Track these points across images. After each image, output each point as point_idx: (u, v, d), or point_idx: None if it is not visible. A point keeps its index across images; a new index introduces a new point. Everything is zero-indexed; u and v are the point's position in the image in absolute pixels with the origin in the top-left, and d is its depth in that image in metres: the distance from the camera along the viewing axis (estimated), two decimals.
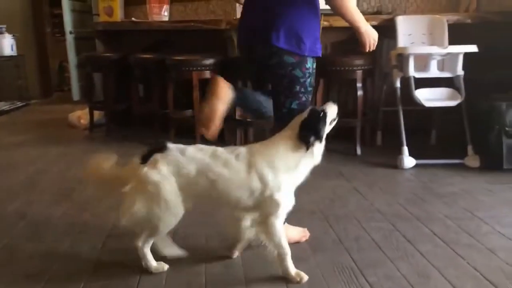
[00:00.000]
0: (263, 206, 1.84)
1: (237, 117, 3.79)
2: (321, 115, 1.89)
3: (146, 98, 4.63)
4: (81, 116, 4.96)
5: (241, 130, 3.95)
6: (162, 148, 1.87)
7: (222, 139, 4.02)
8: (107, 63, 4.48)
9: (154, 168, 1.83)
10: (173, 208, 1.84)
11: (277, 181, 1.82)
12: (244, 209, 1.87)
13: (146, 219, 1.85)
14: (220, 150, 1.87)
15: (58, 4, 6.52)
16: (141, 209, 1.83)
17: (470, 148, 3.36)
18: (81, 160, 3.77)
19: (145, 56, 4.20)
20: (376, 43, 2.12)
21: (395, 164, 3.37)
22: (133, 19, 4.81)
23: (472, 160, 3.33)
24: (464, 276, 1.91)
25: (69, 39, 6.39)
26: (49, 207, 2.75)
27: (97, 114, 4.86)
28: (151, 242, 1.95)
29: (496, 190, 2.90)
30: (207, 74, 3.80)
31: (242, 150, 1.87)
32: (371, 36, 2.09)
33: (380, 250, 2.15)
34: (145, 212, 1.83)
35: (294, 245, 2.19)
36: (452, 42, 3.50)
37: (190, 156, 1.84)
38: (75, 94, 6.61)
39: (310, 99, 2.11)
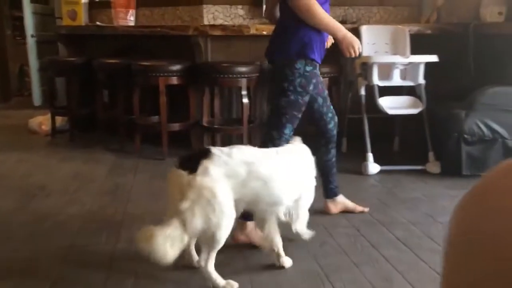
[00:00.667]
0: (302, 199, 2.07)
1: (204, 123, 3.78)
2: None
3: (111, 103, 4.55)
4: (42, 121, 4.82)
5: (208, 136, 3.94)
6: (207, 154, 1.81)
7: (189, 145, 4.00)
8: (71, 67, 4.38)
9: (206, 175, 1.76)
10: (229, 211, 1.80)
11: (312, 174, 2.14)
12: (286, 205, 2.03)
13: (206, 229, 1.78)
14: (264, 150, 2.03)
15: (19, 6, 6.33)
16: (201, 219, 1.75)
17: (431, 155, 3.46)
18: (43, 166, 3.69)
19: (110, 61, 4.13)
20: (358, 49, 2.23)
21: (360, 170, 3.44)
22: (97, 23, 4.73)
23: (433, 166, 3.44)
24: (426, 279, 1.97)
25: (31, 42, 6.22)
26: (9, 215, 2.65)
27: (59, 119, 4.74)
28: (213, 258, 1.86)
29: (456, 195, 2.99)
30: (174, 80, 3.77)
31: (281, 149, 2.09)
32: (349, 43, 2.19)
33: (346, 255, 2.19)
34: (204, 222, 1.75)
35: (260, 252, 2.20)
36: (414, 52, 3.61)
37: (238, 158, 1.83)
38: (36, 99, 6.42)
39: (300, 101, 2.28)
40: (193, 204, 1.73)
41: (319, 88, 2.41)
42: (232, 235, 2.15)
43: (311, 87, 2.30)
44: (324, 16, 2.14)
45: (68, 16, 4.84)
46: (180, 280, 1.95)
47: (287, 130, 2.32)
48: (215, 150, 1.84)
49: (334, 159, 2.62)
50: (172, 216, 1.75)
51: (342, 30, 2.18)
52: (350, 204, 2.67)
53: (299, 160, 2.07)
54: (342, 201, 2.67)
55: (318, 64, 2.34)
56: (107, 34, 4.43)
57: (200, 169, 1.76)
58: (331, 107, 2.54)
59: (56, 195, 3.00)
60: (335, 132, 2.56)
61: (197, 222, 1.74)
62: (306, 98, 2.31)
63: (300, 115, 2.35)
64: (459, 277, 0.40)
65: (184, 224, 1.73)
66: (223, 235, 1.81)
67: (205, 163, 1.78)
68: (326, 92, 2.53)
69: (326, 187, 2.65)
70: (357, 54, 2.25)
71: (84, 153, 4.00)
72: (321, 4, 2.19)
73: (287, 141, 2.29)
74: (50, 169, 3.61)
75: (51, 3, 6.39)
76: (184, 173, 1.77)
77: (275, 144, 2.26)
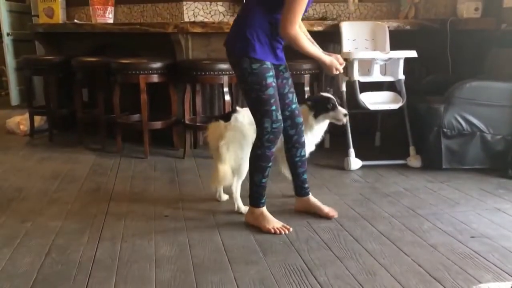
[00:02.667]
0: None
1: (186, 121, 3.75)
2: None
3: (90, 102, 4.49)
4: (20, 121, 4.73)
5: (190, 133, 3.92)
6: (235, 111, 2.61)
7: (171, 143, 3.97)
8: (48, 66, 4.30)
9: (237, 122, 2.54)
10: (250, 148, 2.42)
11: None
12: None
13: (237, 162, 2.54)
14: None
15: None
16: (234, 153, 2.53)
17: (412, 149, 3.51)
18: (22, 166, 3.62)
19: (89, 59, 4.07)
20: (342, 64, 2.44)
21: (343, 165, 3.46)
22: (75, 21, 4.66)
23: (414, 160, 3.48)
24: (409, 272, 1.99)
25: (7, 41, 6.10)
26: None
27: (38, 119, 4.66)
28: (240, 187, 2.63)
29: (436, 188, 3.04)
30: (155, 78, 3.74)
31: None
32: (333, 63, 2.40)
33: (330, 250, 2.20)
34: (236, 154, 2.53)
35: (245, 248, 2.21)
36: (393, 47, 3.65)
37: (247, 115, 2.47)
38: (14, 98, 6.31)
39: (263, 96, 2.28)
40: (228, 142, 2.52)
41: (277, 82, 2.37)
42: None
43: (268, 80, 2.25)
44: (308, 45, 2.29)
45: (45, 14, 4.76)
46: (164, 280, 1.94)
47: (267, 124, 2.29)
48: (239, 109, 2.62)
49: (297, 159, 2.56)
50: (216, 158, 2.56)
51: (324, 56, 2.38)
52: (316, 207, 2.61)
53: None
54: (308, 203, 2.64)
55: (268, 62, 2.27)
56: (85, 32, 4.36)
57: (233, 119, 2.54)
58: (293, 106, 2.48)
59: (36, 195, 2.95)
60: (291, 132, 2.49)
61: (231, 155, 2.53)
62: (270, 91, 2.26)
63: (274, 106, 2.28)
64: None
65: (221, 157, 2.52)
66: (246, 167, 2.49)
67: (235, 115, 2.56)
68: (289, 90, 2.47)
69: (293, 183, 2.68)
70: (341, 70, 2.45)
71: (64, 153, 3.95)
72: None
73: (273, 133, 2.31)
74: (30, 169, 3.55)
75: (27, 0, 6.27)
76: (222, 122, 2.56)
77: (265, 138, 2.32)
